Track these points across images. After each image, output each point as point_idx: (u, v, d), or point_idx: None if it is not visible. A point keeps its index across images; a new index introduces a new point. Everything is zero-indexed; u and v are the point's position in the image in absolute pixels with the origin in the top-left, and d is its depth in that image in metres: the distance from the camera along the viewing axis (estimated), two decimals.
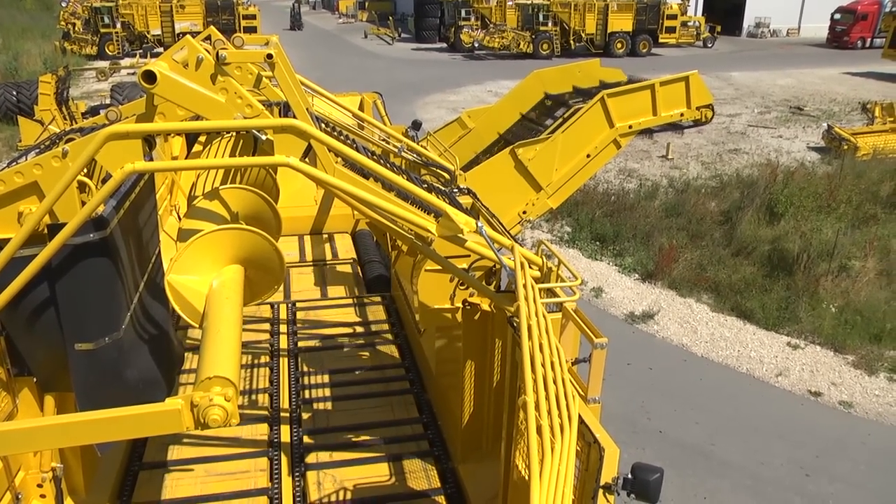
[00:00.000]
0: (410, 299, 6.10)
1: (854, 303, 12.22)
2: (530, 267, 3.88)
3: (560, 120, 8.52)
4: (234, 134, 5.30)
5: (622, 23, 41.17)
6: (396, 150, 6.35)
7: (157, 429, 2.93)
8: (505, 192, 8.02)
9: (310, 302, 6.88)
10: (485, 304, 4.31)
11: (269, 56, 4.15)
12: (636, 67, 28.99)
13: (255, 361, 5.84)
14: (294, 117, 4.09)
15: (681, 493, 8.11)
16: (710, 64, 36.10)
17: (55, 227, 3.05)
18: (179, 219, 6.25)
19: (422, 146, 6.95)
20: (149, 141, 3.22)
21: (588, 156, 8.30)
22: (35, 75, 23.27)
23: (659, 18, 42.45)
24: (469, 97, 29.54)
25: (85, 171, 3.24)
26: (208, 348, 3.09)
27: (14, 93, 22.77)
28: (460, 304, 4.43)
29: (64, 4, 42.89)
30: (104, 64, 33.43)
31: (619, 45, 41.33)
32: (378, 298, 6.99)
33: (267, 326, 6.39)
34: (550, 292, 3.97)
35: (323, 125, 5.13)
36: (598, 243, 15.20)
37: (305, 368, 5.77)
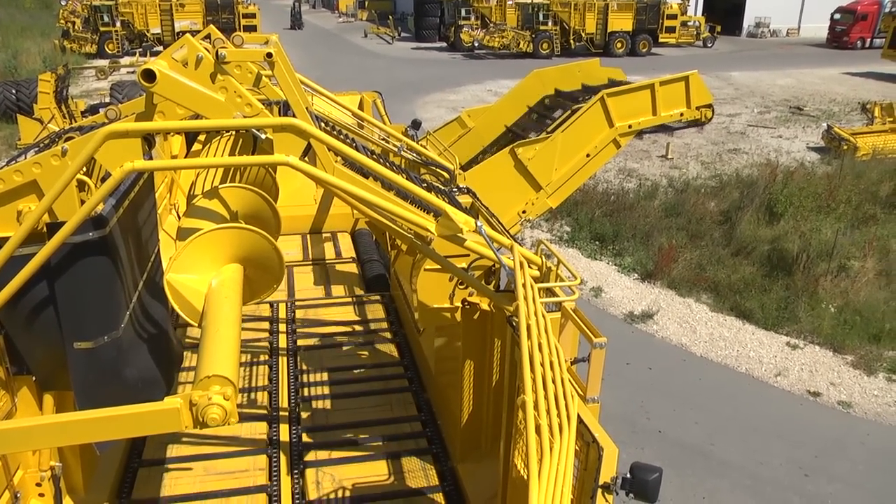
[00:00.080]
0: (410, 298, 6.09)
1: (853, 303, 12.23)
2: (529, 266, 3.88)
3: (569, 112, 8.50)
4: (234, 133, 5.30)
5: (622, 22, 41.14)
6: (396, 149, 6.35)
7: (155, 428, 2.94)
8: (504, 192, 8.02)
9: (309, 301, 6.88)
10: (484, 304, 4.31)
11: (269, 55, 4.15)
12: (636, 67, 29.06)
13: (255, 360, 5.85)
14: (294, 116, 4.09)
15: (680, 492, 8.11)
16: (709, 64, 36.09)
17: (54, 226, 3.05)
18: (179, 217, 6.26)
19: (421, 145, 6.95)
20: (148, 140, 3.22)
21: (588, 155, 8.30)
22: (34, 74, 23.23)
23: (659, 18, 42.41)
24: (469, 96, 29.53)
25: (84, 169, 3.24)
26: (207, 347, 3.09)
27: (13, 91, 22.74)
28: (459, 304, 4.43)
29: (63, 3, 42.83)
30: (104, 62, 33.45)
31: (618, 45, 41.31)
32: (377, 297, 6.99)
33: (266, 325, 6.39)
34: (550, 292, 3.98)
35: (322, 124, 5.13)
36: (597, 243, 15.20)
37: (304, 367, 5.77)
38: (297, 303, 6.80)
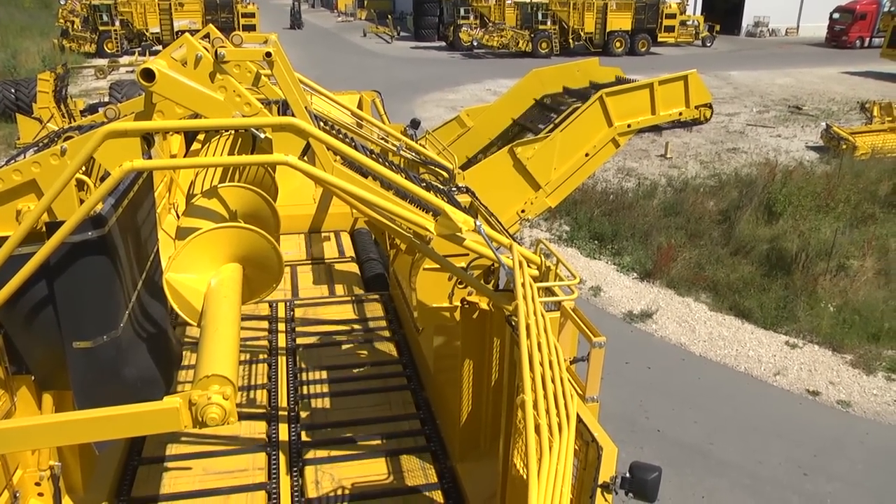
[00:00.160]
0: (409, 298, 6.09)
1: (852, 302, 12.24)
2: (529, 266, 3.88)
3: (570, 109, 8.49)
4: (233, 132, 5.30)
5: (621, 22, 41.15)
6: (395, 148, 6.34)
7: (155, 427, 2.94)
8: (503, 191, 8.02)
9: (308, 300, 6.88)
10: (483, 303, 4.31)
11: (268, 54, 4.15)
12: (635, 66, 29.07)
13: (254, 359, 5.85)
14: (293, 116, 4.09)
15: (679, 492, 8.12)
16: (708, 63, 36.09)
17: (53, 225, 3.05)
18: (178, 217, 6.26)
19: (420, 145, 6.94)
20: (147, 139, 3.22)
21: (587, 155, 8.29)
22: (34, 73, 23.19)
23: (658, 17, 42.42)
24: (468, 96, 29.52)
25: (83, 168, 3.24)
26: (206, 347, 3.09)
27: (13, 90, 22.72)
28: (459, 303, 4.43)
29: (63, 2, 42.78)
30: (103, 62, 33.41)
31: (617, 44, 41.32)
32: (376, 297, 7.00)
33: (265, 324, 6.40)
34: (549, 291, 3.98)
35: (322, 124, 5.12)
36: (596, 242, 15.20)
37: (303, 366, 5.78)
38: (296, 302, 6.81)
